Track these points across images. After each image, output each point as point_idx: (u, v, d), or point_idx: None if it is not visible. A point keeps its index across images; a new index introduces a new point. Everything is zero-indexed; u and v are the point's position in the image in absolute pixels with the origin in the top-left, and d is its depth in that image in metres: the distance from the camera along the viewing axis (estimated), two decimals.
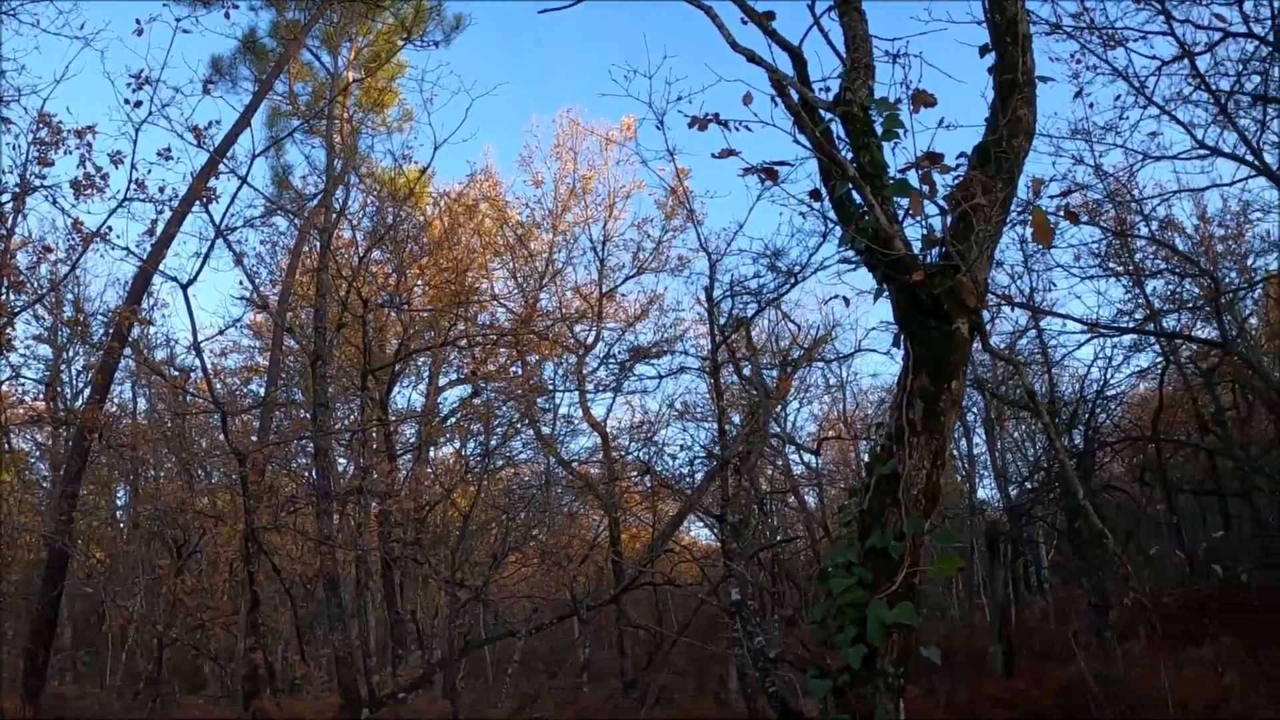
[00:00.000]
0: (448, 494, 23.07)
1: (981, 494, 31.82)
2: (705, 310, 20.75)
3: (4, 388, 20.72)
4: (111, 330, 19.27)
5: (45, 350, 28.90)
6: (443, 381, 30.95)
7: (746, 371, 23.32)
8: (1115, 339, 22.91)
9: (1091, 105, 22.68)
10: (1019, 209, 6.46)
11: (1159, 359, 24.81)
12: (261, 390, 25.83)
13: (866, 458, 5.94)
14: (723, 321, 20.48)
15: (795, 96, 5.62)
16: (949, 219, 5.49)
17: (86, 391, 24.02)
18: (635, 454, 25.71)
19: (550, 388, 27.31)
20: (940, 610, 36.17)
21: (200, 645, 23.69)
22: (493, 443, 27.31)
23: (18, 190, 15.46)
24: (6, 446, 24.38)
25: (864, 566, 5.40)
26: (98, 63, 64.72)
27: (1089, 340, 22.36)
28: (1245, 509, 26.31)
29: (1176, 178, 53.08)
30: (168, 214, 17.41)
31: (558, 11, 6.36)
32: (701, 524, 28.95)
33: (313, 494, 20.29)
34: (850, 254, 5.94)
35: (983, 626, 27.84)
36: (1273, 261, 23.04)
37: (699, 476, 22.25)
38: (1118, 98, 18.21)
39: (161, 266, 18.41)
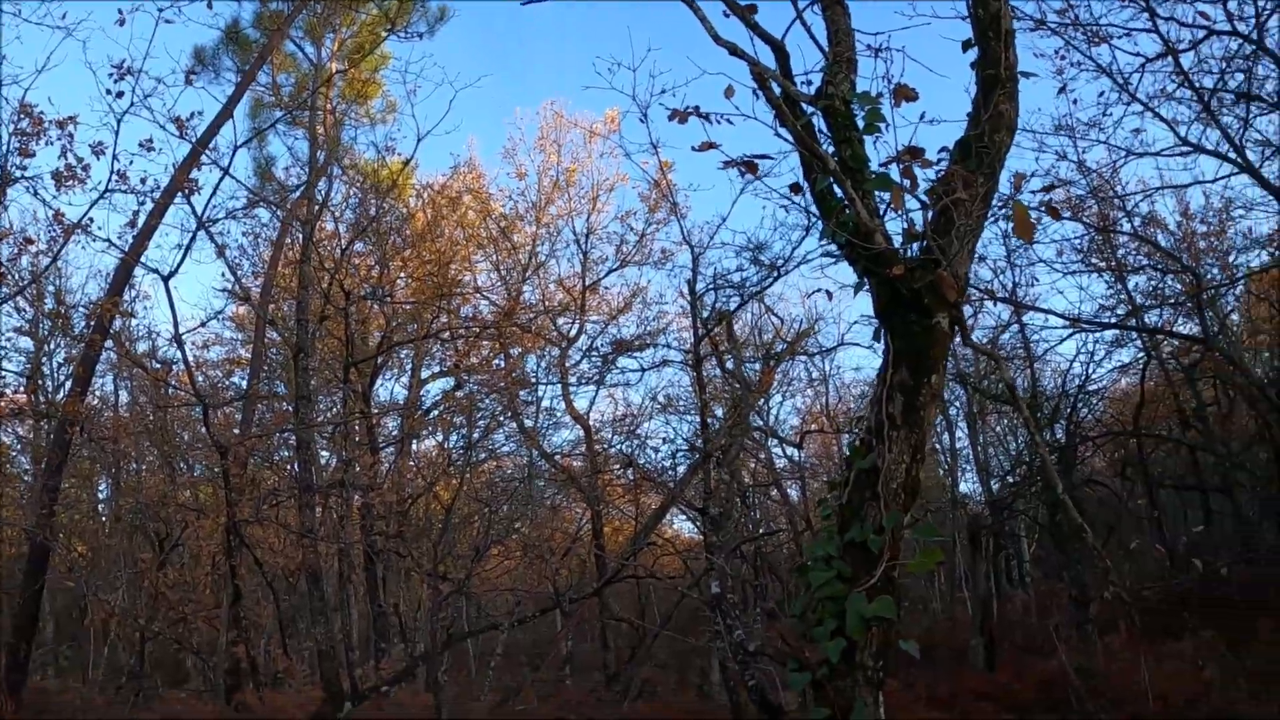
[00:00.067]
0: (430, 487, 23.06)
1: (964, 488, 31.95)
2: (688, 303, 20.77)
3: None
4: (93, 322, 19.18)
5: (26, 343, 28.83)
6: (425, 374, 30.97)
7: (729, 365, 23.35)
8: (1097, 334, 23.05)
9: (1075, 101, 22.80)
10: (1000, 204, 6.46)
11: (1141, 354, 24.93)
12: (243, 383, 25.76)
13: (848, 451, 5.94)
14: (705, 315, 20.50)
15: (777, 90, 5.61)
16: (930, 213, 5.49)
17: (68, 384, 23.92)
18: (618, 447, 25.71)
19: (533, 381, 27.36)
20: (922, 604, 36.30)
21: (182, 639, 23.66)
22: (475, 435, 27.32)
23: None
24: None
25: (843, 560, 5.40)
26: (79, 53, 64.36)
27: (1071, 335, 22.46)
28: (1226, 504, 26.47)
29: (1159, 174, 53.50)
30: (149, 205, 17.35)
31: (540, 3, 6.33)
32: (684, 517, 29.00)
33: (295, 487, 20.25)
34: (832, 248, 5.94)
35: (964, 620, 27.90)
36: (1254, 258, 23.18)
37: (681, 470, 22.28)
38: (1101, 94, 18.27)
39: (143, 258, 18.36)
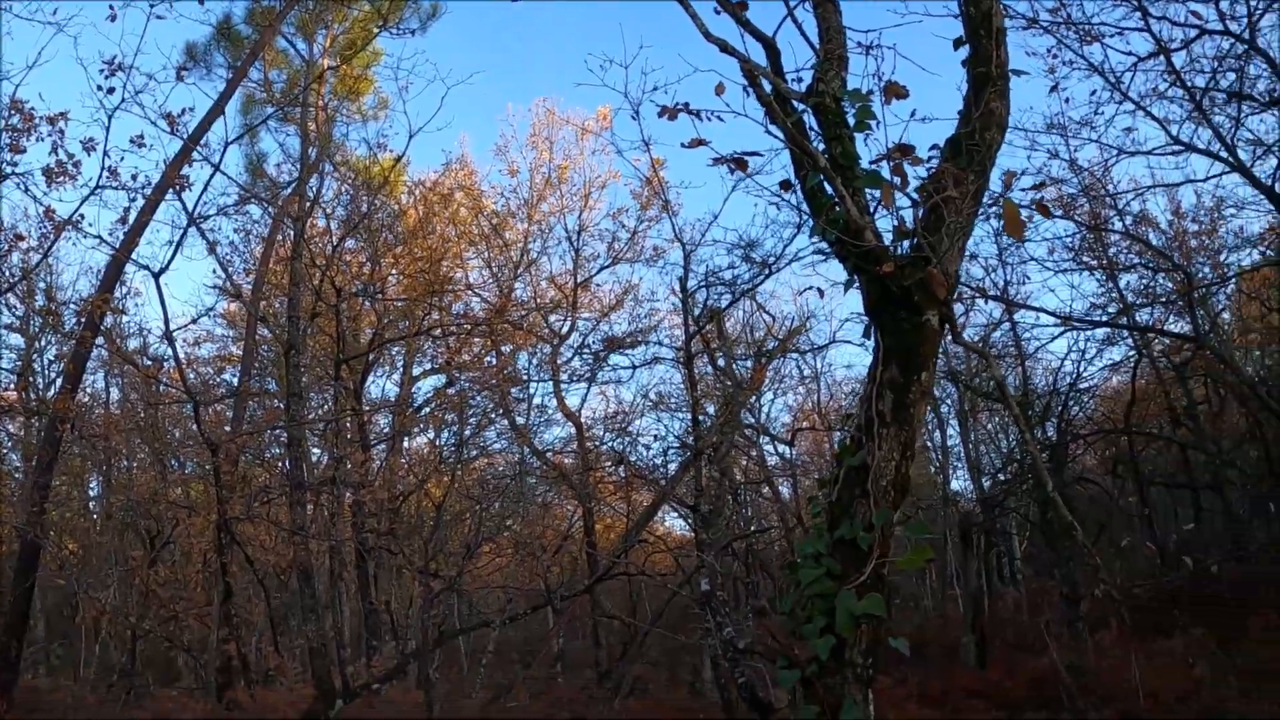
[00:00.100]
0: (421, 484, 23.02)
1: (955, 485, 32.03)
2: (680, 301, 20.81)
3: None
4: (84, 319, 19.11)
5: (17, 339, 28.74)
6: (417, 371, 30.96)
7: (721, 362, 23.36)
8: (1089, 332, 23.09)
9: (1067, 100, 22.81)
10: (991, 202, 6.46)
11: (1132, 352, 24.98)
12: (235, 380, 25.70)
13: (838, 449, 5.93)
14: (697, 312, 20.53)
15: (768, 87, 5.60)
16: (920, 211, 5.49)
17: (59, 381, 23.86)
18: (609, 444, 25.73)
19: (525, 378, 27.31)
20: (914, 601, 36.35)
21: (174, 637, 23.62)
22: (467, 433, 27.31)
23: None
24: None
25: (833, 557, 5.39)
26: (70, 49, 64.27)
27: (1062, 333, 22.55)
28: (1216, 502, 26.53)
29: (1151, 173, 53.57)
30: (140, 202, 17.34)
31: (532, 0, 6.32)
32: (676, 514, 29.03)
33: (286, 484, 20.23)
34: (823, 245, 5.92)
35: (956, 617, 27.95)
36: (1245, 257, 23.24)
37: (673, 467, 22.30)
38: (1093, 93, 18.28)
39: (134, 255, 18.35)
